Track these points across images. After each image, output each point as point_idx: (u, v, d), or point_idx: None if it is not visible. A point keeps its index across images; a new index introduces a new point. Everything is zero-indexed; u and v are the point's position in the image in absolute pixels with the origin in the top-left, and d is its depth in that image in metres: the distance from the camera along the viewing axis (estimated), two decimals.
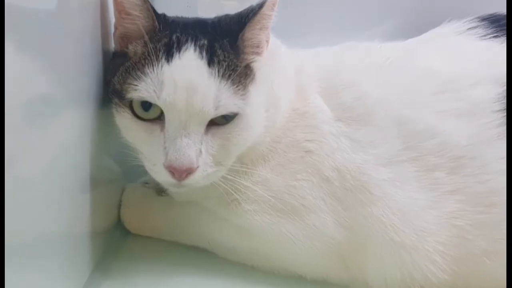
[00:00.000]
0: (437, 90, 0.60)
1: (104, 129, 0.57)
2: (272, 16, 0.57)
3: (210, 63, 0.52)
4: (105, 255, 0.62)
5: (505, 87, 0.58)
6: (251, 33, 0.56)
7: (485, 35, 0.65)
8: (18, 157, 0.39)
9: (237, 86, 0.53)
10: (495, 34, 0.65)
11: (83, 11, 0.53)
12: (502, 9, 0.69)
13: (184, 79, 0.51)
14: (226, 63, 0.53)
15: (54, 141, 0.46)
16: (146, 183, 0.73)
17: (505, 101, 0.58)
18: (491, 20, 0.68)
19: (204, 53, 0.53)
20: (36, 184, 0.43)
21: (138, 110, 0.53)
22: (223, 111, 0.52)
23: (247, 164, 0.58)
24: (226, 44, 0.55)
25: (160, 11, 0.57)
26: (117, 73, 0.54)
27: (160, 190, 0.69)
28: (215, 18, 0.60)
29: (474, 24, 0.67)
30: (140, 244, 0.67)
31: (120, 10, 0.56)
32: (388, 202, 0.56)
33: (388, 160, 0.58)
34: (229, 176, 0.56)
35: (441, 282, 0.56)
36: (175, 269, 0.62)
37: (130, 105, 0.53)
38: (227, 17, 0.58)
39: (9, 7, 0.35)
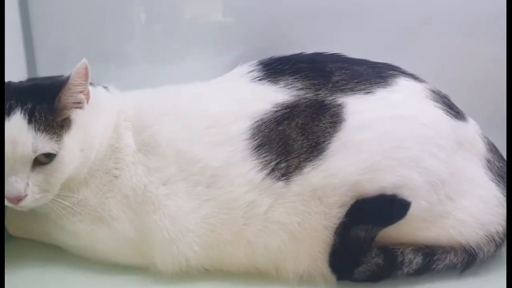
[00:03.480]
0: (207, 126, 0.83)
1: None
2: (82, 83, 0.80)
3: (29, 122, 0.76)
4: None
5: (254, 120, 0.82)
6: (65, 96, 0.79)
7: (254, 78, 0.88)
8: None
9: (51, 136, 0.76)
10: (262, 77, 0.87)
11: None
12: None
13: (9, 134, 0.75)
14: (42, 120, 0.76)
15: None
16: None
17: (252, 131, 0.82)
18: (264, 64, 0.90)
19: (26, 115, 0.76)
20: None
21: None
22: (40, 151, 0.75)
23: (69, 189, 0.82)
24: (45, 106, 0.77)
25: None
26: None
27: None
28: (48, 81, 0.84)
29: (252, 68, 0.90)
30: (18, 244, 0.93)
31: None
32: (164, 210, 0.81)
33: (167, 180, 0.82)
34: (56, 199, 0.81)
35: (199, 263, 0.81)
36: (43, 263, 0.87)
37: None
38: (54, 82, 0.81)
39: None
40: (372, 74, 0.86)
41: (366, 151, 0.78)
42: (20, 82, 0.86)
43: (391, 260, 0.78)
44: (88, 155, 0.83)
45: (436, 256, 0.79)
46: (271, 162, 0.79)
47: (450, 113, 0.83)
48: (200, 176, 0.81)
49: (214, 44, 1.30)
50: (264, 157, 0.80)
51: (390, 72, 0.88)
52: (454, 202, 0.79)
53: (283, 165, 0.79)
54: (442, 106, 0.83)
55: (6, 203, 0.77)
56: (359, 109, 0.81)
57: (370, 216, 0.76)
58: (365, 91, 0.83)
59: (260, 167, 0.79)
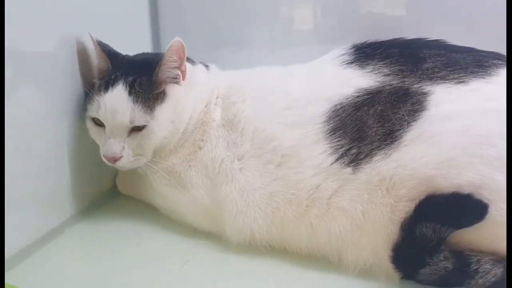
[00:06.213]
0: (285, 107, 0.85)
1: None
2: (177, 59, 0.88)
3: (129, 93, 0.85)
4: (93, 205, 1.02)
5: (332, 104, 0.82)
6: (162, 72, 0.88)
7: (343, 62, 0.86)
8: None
9: (146, 108, 0.85)
10: (351, 61, 0.86)
11: (73, 53, 0.92)
12: None
13: (111, 104, 0.85)
14: (140, 93, 0.85)
15: (61, 136, 0.88)
16: None
17: (329, 114, 0.81)
18: (357, 48, 0.88)
19: (127, 87, 0.86)
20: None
21: (96, 119, 0.89)
22: (136, 124, 0.85)
23: (160, 157, 0.91)
24: (144, 80, 0.87)
25: None
26: (87, 96, 0.92)
27: None
28: (153, 57, 0.93)
29: (344, 51, 0.89)
30: (123, 201, 1.06)
31: (96, 55, 0.93)
32: (235, 183, 0.85)
33: (242, 156, 0.86)
34: (149, 164, 0.90)
35: (263, 238, 0.83)
36: (137, 219, 0.98)
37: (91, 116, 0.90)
38: (154, 58, 0.90)
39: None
40: (472, 63, 0.79)
41: (443, 144, 0.71)
42: (134, 56, 0.97)
43: (463, 266, 0.71)
44: (178, 127, 0.90)
45: None
46: (342, 147, 0.78)
47: None
48: (272, 154, 0.83)
49: (334, 29, 1.28)
50: (337, 141, 0.79)
51: (494, 61, 0.78)
52: None
53: (354, 151, 0.77)
54: None
55: (106, 162, 0.88)
56: (445, 99, 0.75)
57: (440, 215, 0.70)
58: (457, 80, 0.76)
59: (330, 151, 0.79)
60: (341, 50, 0.89)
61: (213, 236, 0.89)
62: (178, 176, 0.91)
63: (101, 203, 1.04)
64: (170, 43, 0.86)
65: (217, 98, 0.94)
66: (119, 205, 1.05)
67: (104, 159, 0.88)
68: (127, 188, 1.06)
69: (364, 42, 0.89)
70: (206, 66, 1.00)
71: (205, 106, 0.93)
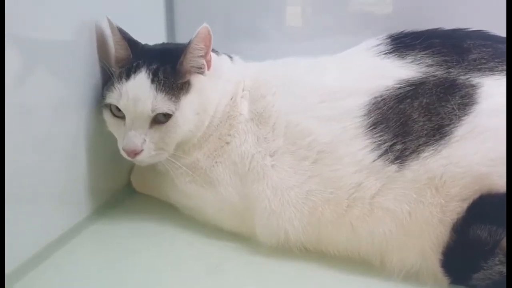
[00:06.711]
0: (320, 100, 0.80)
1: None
2: (203, 47, 0.82)
3: (152, 81, 0.79)
4: (108, 204, 0.95)
5: (372, 97, 0.76)
6: (187, 60, 0.82)
7: (380, 52, 0.82)
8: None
9: (170, 96, 0.79)
10: (388, 51, 0.81)
11: (91, 41, 0.85)
12: None
13: (132, 91, 0.79)
14: (163, 81, 0.79)
15: (76, 128, 0.82)
16: None
17: (369, 107, 0.76)
18: (393, 38, 0.84)
19: (150, 75, 0.80)
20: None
21: (114, 109, 0.83)
22: (158, 111, 0.79)
23: (183, 152, 0.85)
24: (168, 68, 0.81)
25: None
26: (106, 85, 0.85)
27: None
28: (175, 46, 0.88)
29: (379, 42, 0.84)
30: (139, 200, 1.00)
31: (113, 44, 0.87)
32: (268, 181, 0.79)
33: (274, 152, 0.81)
34: (171, 159, 0.84)
35: (298, 240, 0.78)
36: (156, 219, 0.92)
37: (110, 107, 0.84)
38: (179, 47, 0.85)
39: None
40: None
41: (497, 140, 0.67)
42: (154, 45, 0.91)
43: None
44: (203, 119, 0.84)
45: None
46: (385, 143, 0.73)
47: None
48: (308, 150, 0.78)
49: (354, 21, 1.23)
50: (379, 136, 0.73)
51: None
52: None
53: (398, 147, 0.72)
54: None
55: (125, 156, 0.82)
56: (496, 91, 0.70)
57: (496, 216, 0.66)
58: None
59: (372, 147, 0.73)
60: (376, 41, 0.84)
61: (241, 238, 0.84)
62: (203, 172, 0.85)
63: (117, 201, 0.98)
64: (198, 29, 0.80)
65: (243, 90, 0.88)
66: (136, 204, 0.99)
67: (123, 153, 0.82)
68: (143, 185, 1.00)
69: (401, 32, 0.84)
70: (230, 57, 0.95)
71: (231, 99, 0.88)
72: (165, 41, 1.08)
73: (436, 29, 0.84)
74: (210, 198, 0.85)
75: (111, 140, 0.86)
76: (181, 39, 1.19)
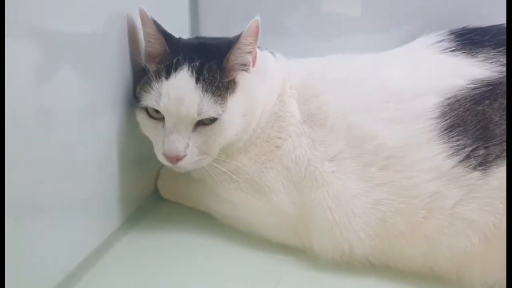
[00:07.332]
0: (384, 100, 0.72)
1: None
2: (253, 42, 0.74)
3: (197, 80, 0.71)
4: (137, 213, 0.86)
5: (445, 97, 0.70)
6: (234, 56, 0.73)
7: (445, 49, 0.75)
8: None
9: (217, 98, 0.71)
10: (455, 48, 0.75)
11: (122, 34, 0.76)
12: None
13: (175, 92, 0.70)
14: (209, 80, 0.71)
15: (106, 133, 0.72)
16: None
17: (442, 109, 0.69)
18: (457, 34, 0.77)
19: (194, 73, 0.71)
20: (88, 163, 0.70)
21: (151, 111, 0.74)
22: (204, 116, 0.71)
23: (227, 156, 0.77)
24: (213, 66, 0.72)
25: None
26: (139, 84, 0.76)
27: None
28: (214, 41, 0.79)
29: (441, 38, 0.77)
30: (168, 208, 0.91)
31: (145, 38, 0.77)
32: (328, 189, 0.72)
33: (333, 156, 0.73)
34: (214, 164, 0.76)
35: (363, 254, 0.71)
36: (190, 229, 0.83)
37: (146, 108, 0.74)
38: (221, 41, 0.77)
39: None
40: None
41: None
42: (189, 39, 0.82)
43: None
44: (250, 121, 0.76)
45: None
46: (465, 148, 0.66)
47: None
48: (374, 155, 0.71)
49: (382, 18, 1.16)
50: (457, 140, 0.67)
51: None
52: None
53: (481, 152, 0.65)
54: None
55: (165, 162, 0.73)
56: None
57: None
58: None
59: (450, 152, 0.66)
60: (436, 37, 0.78)
61: (294, 251, 0.76)
62: (251, 178, 0.77)
63: (146, 210, 0.89)
64: (250, 22, 0.72)
65: (290, 88, 0.80)
66: (166, 212, 0.90)
67: (162, 158, 0.73)
68: (173, 192, 0.92)
69: (463, 28, 0.78)
70: (271, 53, 0.86)
71: (277, 98, 0.79)
72: (189, 37, 0.99)
73: (500, 24, 0.77)
74: (260, 207, 0.77)
75: (140, 144, 0.77)
76: (205, 34, 1.10)
